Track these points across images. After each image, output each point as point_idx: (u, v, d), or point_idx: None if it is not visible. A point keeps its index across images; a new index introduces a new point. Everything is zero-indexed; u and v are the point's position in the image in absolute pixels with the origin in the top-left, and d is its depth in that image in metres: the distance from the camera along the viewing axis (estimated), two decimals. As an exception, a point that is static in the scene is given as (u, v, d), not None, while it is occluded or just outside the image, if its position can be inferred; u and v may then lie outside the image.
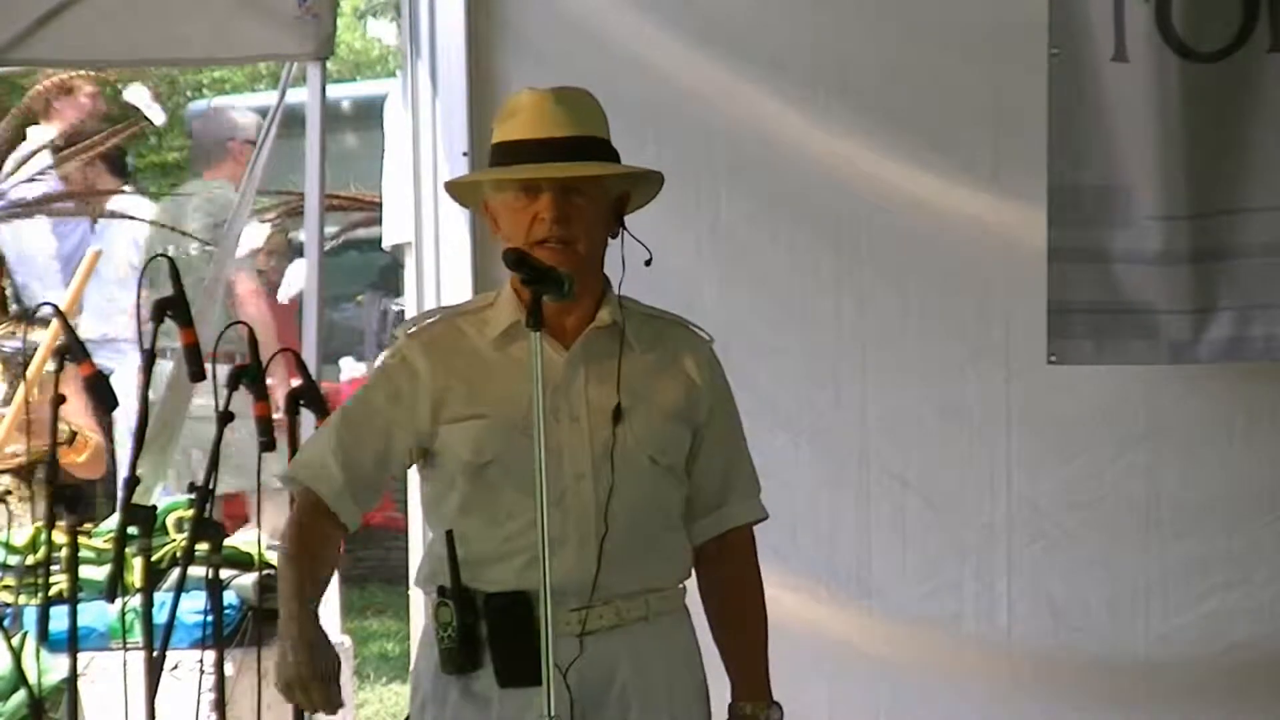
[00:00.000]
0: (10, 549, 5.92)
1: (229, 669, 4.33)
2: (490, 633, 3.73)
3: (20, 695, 5.19)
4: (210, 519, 4.30)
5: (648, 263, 3.81)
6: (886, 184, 5.66)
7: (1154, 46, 5.24)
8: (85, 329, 7.93)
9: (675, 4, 5.75)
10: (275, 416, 4.66)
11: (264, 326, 8.67)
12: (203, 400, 5.33)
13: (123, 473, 4.83)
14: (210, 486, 4.22)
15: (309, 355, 5.62)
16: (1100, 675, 5.61)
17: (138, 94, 9.03)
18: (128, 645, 4.75)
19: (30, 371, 5.72)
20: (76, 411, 5.83)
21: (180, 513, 5.83)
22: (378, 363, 4.08)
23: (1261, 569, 5.53)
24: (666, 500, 3.87)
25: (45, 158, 8.17)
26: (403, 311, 11.41)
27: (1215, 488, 5.55)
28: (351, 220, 9.05)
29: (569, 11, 5.76)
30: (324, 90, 5.88)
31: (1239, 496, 5.55)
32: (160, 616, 4.31)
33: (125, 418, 7.49)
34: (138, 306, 4.37)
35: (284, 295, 9.05)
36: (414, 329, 3.89)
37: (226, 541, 4.46)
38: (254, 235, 8.67)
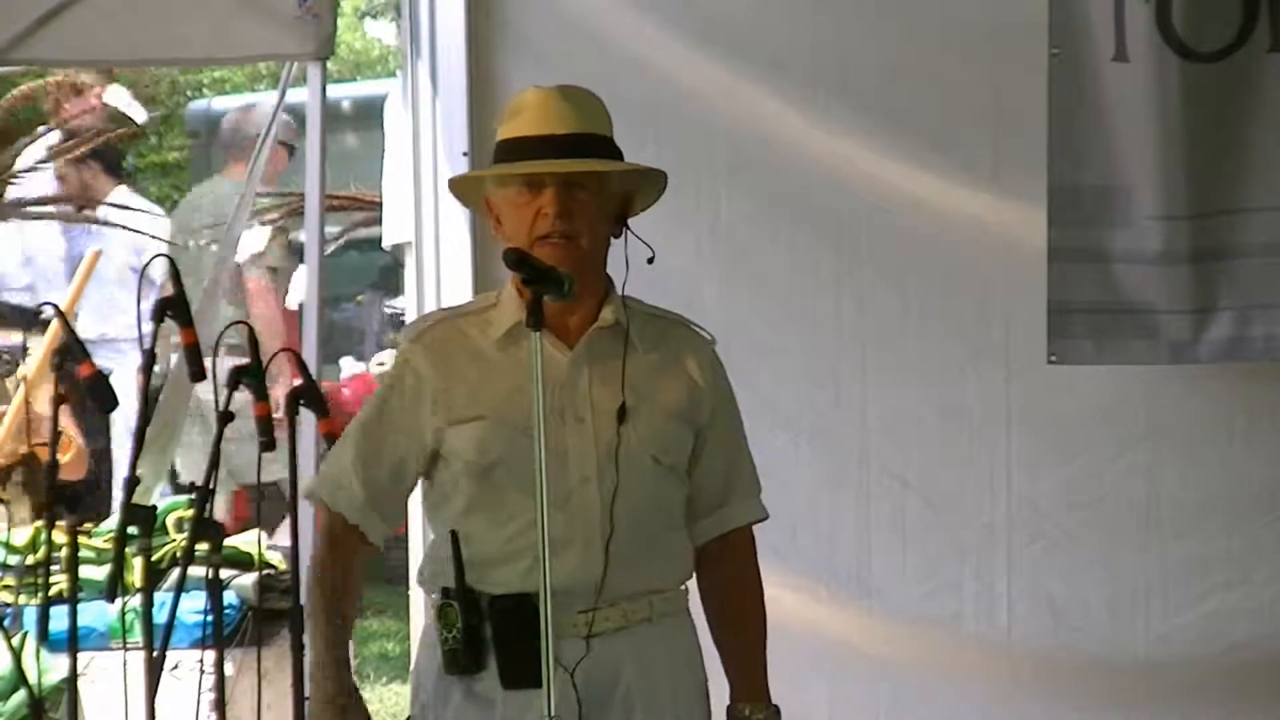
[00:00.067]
0: (10, 549, 5.92)
1: (229, 669, 4.31)
2: (495, 635, 3.73)
3: (20, 695, 5.20)
4: (210, 519, 4.30)
5: (650, 260, 3.81)
6: (886, 184, 5.65)
7: (1154, 46, 5.24)
8: (85, 329, 7.92)
9: (675, 4, 5.75)
10: (275, 416, 4.65)
11: (273, 323, 8.67)
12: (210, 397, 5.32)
13: (122, 473, 4.83)
14: (211, 486, 4.22)
15: (309, 355, 5.61)
16: (1100, 675, 5.61)
17: (117, 95, 9.01)
18: (128, 645, 4.74)
19: (31, 372, 5.72)
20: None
21: (180, 513, 5.83)
22: (382, 371, 4.08)
23: (1261, 569, 5.53)
24: (669, 500, 3.87)
25: (39, 154, 8.15)
26: (395, 314, 11.40)
27: (1215, 488, 5.55)
28: (352, 220, 9.04)
29: (569, 11, 5.76)
30: (324, 90, 5.86)
31: (1239, 496, 5.55)
32: (160, 616, 4.29)
33: (125, 418, 7.48)
34: (138, 306, 4.36)
35: (292, 301, 9.02)
36: (415, 333, 3.90)
37: (226, 541, 4.45)
38: (256, 237, 8.66)
